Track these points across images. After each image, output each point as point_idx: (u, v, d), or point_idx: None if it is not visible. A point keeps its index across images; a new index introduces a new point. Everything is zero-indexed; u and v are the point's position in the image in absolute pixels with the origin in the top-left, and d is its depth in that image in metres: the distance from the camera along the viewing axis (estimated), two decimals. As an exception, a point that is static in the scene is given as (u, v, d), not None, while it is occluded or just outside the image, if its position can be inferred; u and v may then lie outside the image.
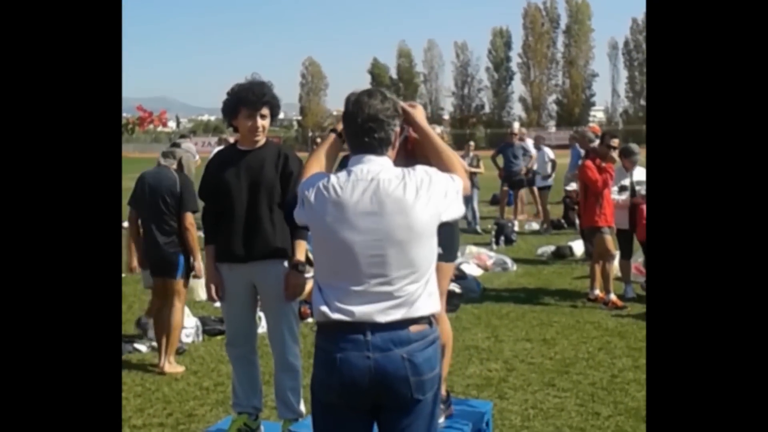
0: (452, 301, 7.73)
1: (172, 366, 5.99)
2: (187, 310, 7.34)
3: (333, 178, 2.56)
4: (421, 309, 2.51)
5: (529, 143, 14.89)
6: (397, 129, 2.63)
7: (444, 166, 2.69)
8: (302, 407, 3.98)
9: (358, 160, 2.57)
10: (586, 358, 6.12)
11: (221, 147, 7.57)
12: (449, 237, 3.78)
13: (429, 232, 2.52)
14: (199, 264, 5.91)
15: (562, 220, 14.30)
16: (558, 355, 6.26)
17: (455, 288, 7.98)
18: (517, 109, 78.65)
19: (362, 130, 2.55)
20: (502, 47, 77.63)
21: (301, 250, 3.90)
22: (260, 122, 3.84)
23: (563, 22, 75.12)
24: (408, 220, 2.46)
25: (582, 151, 13.80)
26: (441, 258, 3.71)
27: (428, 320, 2.54)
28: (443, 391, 3.79)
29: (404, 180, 2.50)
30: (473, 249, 10.44)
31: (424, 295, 2.52)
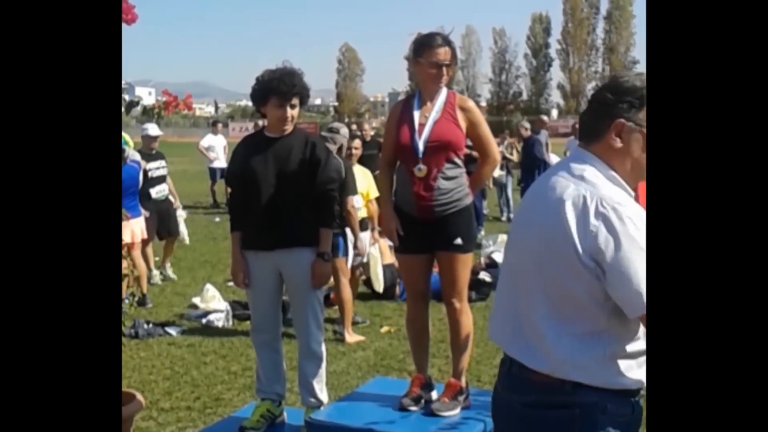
0: (482, 290, 7.70)
1: (351, 336, 6.41)
2: (217, 294, 7.43)
3: None
4: (550, 360, 1.88)
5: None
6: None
7: None
8: (324, 395, 3.99)
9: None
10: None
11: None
12: (468, 228, 3.75)
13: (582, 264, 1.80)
14: (361, 243, 6.47)
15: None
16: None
17: (486, 277, 7.94)
18: (556, 97, 77.93)
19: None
20: (541, 33, 76.79)
21: (327, 238, 3.90)
22: (290, 112, 3.83)
23: (604, 7, 74.02)
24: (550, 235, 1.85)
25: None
26: (461, 249, 3.71)
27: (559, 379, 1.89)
28: (462, 383, 3.77)
29: (583, 198, 1.81)
30: (505, 237, 10.37)
31: (560, 346, 1.86)
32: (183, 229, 9.52)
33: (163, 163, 8.82)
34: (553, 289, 1.85)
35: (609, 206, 1.77)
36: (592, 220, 1.77)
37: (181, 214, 9.41)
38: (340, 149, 6.51)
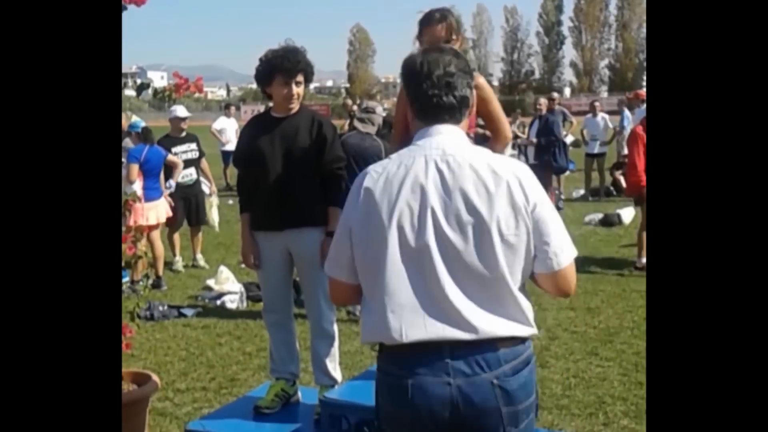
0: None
1: None
2: (231, 276, 7.46)
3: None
4: (529, 318, 2.08)
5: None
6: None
7: None
8: (338, 373, 4.00)
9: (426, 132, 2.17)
10: (631, 327, 6.03)
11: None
12: None
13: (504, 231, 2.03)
14: None
15: (611, 187, 14.07)
16: (602, 324, 6.18)
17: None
18: (568, 75, 77.33)
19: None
20: (553, 11, 76.10)
21: (336, 217, 3.88)
22: (295, 89, 3.82)
23: (617, -17, 73.21)
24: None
25: (629, 115, 13.58)
26: None
27: (521, 338, 2.08)
28: None
29: (512, 171, 2.07)
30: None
31: (527, 302, 2.08)
32: (214, 216, 9.24)
33: (193, 146, 8.59)
34: (512, 249, 2.03)
35: (524, 174, 2.08)
36: (527, 183, 2.06)
37: (213, 201, 9.20)
38: (378, 130, 6.49)
